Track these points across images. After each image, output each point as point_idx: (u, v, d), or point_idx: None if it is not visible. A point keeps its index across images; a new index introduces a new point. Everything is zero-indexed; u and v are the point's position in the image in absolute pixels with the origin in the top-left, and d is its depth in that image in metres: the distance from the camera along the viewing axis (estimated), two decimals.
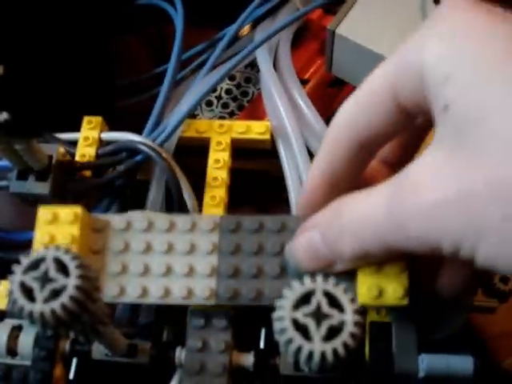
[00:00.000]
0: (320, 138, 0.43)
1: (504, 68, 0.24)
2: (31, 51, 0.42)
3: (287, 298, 0.24)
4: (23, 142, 0.35)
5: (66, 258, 0.25)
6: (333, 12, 0.51)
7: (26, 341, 0.35)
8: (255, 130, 0.43)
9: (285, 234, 0.34)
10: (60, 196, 0.39)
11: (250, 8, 0.48)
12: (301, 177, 0.42)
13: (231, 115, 0.52)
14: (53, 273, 0.25)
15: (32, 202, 0.40)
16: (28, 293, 0.25)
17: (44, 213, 0.35)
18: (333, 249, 0.30)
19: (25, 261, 0.26)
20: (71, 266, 0.25)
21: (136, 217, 0.36)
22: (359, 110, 0.31)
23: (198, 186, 0.42)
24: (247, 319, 0.35)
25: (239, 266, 0.34)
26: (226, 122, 0.43)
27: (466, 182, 0.24)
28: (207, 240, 0.35)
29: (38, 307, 0.25)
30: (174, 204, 0.40)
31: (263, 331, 0.35)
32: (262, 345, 0.35)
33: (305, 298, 0.25)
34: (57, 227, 0.35)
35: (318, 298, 0.24)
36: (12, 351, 0.35)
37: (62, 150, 0.40)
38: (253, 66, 0.53)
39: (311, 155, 0.43)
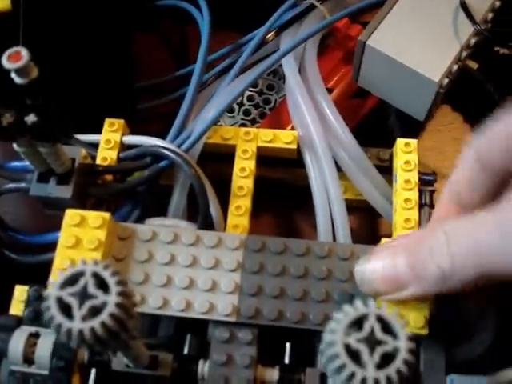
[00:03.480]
0: (346, 149, 0.42)
1: None
2: (60, 53, 0.41)
3: (339, 321, 0.24)
4: (49, 144, 0.34)
5: (106, 274, 0.24)
6: (358, 21, 0.50)
7: (44, 349, 0.34)
8: (282, 138, 0.42)
9: (308, 258, 0.35)
10: (81, 200, 0.38)
11: (277, 13, 0.46)
12: (327, 187, 0.41)
13: (253, 123, 0.50)
14: (92, 289, 0.24)
15: (50, 205, 0.39)
16: (65, 309, 0.24)
17: (71, 215, 0.35)
18: (417, 272, 0.30)
19: (62, 275, 0.25)
20: (111, 282, 0.24)
21: (162, 228, 0.36)
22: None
23: (220, 193, 0.41)
24: (272, 333, 0.34)
25: (262, 286, 0.35)
26: (253, 130, 0.42)
27: None
28: (232, 257, 0.35)
29: (77, 325, 0.23)
30: (198, 212, 0.38)
31: (288, 346, 0.35)
32: (286, 360, 0.34)
33: (356, 323, 0.24)
34: (83, 231, 0.35)
35: (372, 323, 0.24)
36: (29, 359, 0.34)
37: (84, 152, 0.39)
38: (275, 73, 0.52)
39: (337, 166, 0.42)
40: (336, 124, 0.43)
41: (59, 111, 0.32)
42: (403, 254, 0.31)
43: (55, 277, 0.34)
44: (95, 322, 0.23)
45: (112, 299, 0.24)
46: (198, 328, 0.35)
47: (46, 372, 0.34)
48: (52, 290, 0.24)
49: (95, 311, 0.24)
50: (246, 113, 0.51)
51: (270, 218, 0.48)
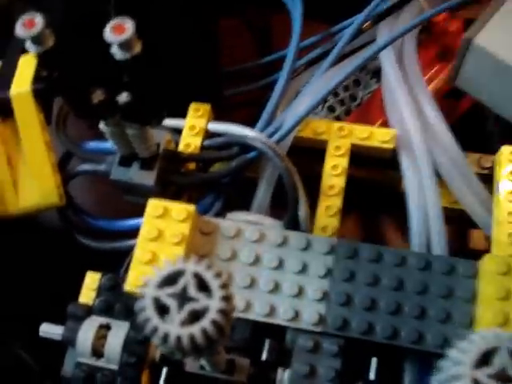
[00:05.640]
0: (447, 152, 0.39)
1: None
2: (149, 36, 0.39)
3: (467, 352, 0.21)
4: (138, 126, 0.32)
5: (208, 275, 0.22)
6: (458, 17, 0.47)
7: (114, 343, 0.33)
8: (379, 137, 0.39)
9: (403, 269, 0.33)
10: (162, 188, 0.36)
11: (374, 2, 0.43)
12: (424, 194, 0.38)
13: (337, 120, 0.47)
14: (192, 291, 0.22)
15: (129, 191, 0.37)
16: (162, 310, 0.22)
17: (154, 206, 0.33)
18: None
19: (159, 273, 0.22)
20: (214, 285, 0.22)
21: (247, 225, 0.34)
22: None
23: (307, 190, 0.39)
24: (357, 347, 0.32)
25: (352, 295, 0.33)
26: (347, 125, 0.39)
27: None
28: (321, 262, 0.34)
29: (176, 330, 0.21)
30: (288, 209, 0.36)
31: (374, 361, 0.33)
32: (372, 376, 0.32)
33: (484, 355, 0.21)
34: (166, 223, 0.33)
35: (503, 359, 0.21)
36: (97, 352, 0.33)
37: (168, 138, 0.37)
38: (362, 67, 0.49)
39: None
40: (438, 125, 0.39)
41: (155, 92, 0.30)
42: None
43: (136, 269, 0.32)
44: (195, 329, 0.21)
45: (215, 304, 0.22)
46: (275, 333, 0.33)
47: (115, 367, 0.33)
48: (148, 288, 0.22)
49: (195, 315, 0.22)
50: (331, 109, 0.48)
51: (354, 220, 0.46)
